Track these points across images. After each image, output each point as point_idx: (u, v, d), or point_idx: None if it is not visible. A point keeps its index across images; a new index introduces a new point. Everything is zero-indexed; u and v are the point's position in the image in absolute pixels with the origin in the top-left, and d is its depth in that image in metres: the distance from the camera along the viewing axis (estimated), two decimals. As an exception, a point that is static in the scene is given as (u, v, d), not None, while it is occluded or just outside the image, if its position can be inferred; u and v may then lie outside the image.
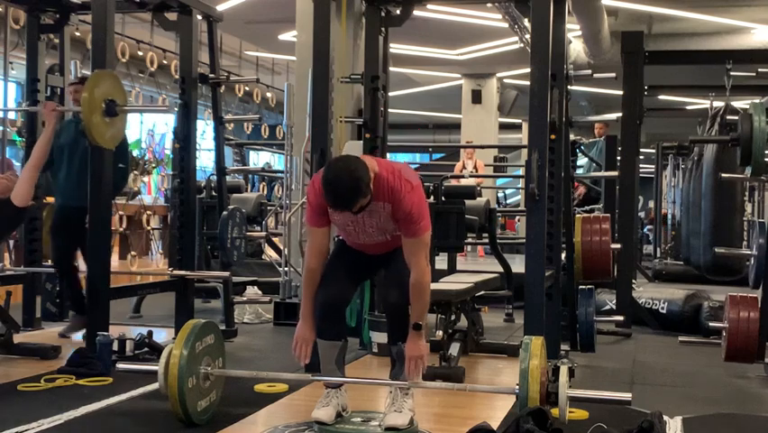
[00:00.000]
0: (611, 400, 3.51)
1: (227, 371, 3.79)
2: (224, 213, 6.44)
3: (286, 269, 7.18)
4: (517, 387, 3.31)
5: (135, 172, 11.25)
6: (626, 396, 3.46)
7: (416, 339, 3.38)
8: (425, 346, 3.41)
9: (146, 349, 4.91)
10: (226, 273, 6.15)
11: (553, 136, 4.94)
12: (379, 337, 5.06)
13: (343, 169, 3.19)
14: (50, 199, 6.20)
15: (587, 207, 9.24)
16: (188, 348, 3.47)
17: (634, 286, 7.53)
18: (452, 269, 6.28)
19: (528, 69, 4.51)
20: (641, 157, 9.31)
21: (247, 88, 13.46)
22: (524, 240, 5.11)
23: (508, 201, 15.29)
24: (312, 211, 3.44)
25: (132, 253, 8.25)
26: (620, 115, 7.89)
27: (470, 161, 11.43)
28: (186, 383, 3.43)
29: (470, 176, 10.20)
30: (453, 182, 8.81)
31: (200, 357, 3.56)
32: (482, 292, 5.46)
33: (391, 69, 6.28)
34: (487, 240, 6.79)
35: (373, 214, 3.36)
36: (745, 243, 9.02)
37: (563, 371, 3.40)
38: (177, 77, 6.27)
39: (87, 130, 4.65)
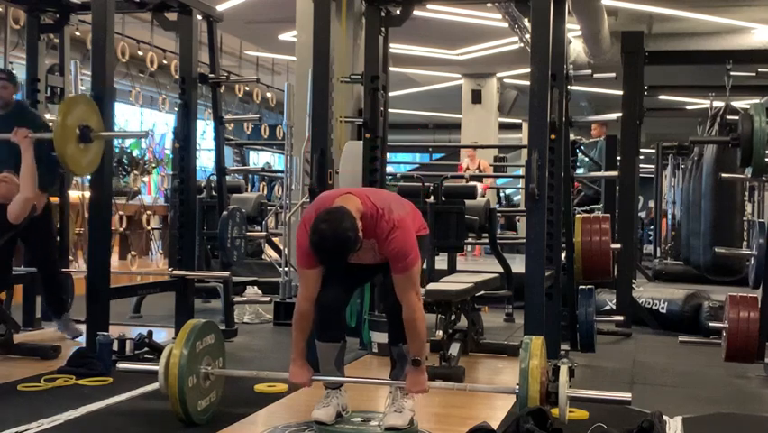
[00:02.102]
0: (611, 400, 3.51)
1: (227, 370, 3.79)
2: (224, 213, 6.44)
3: (286, 269, 7.18)
4: (517, 387, 3.30)
5: (135, 172, 11.26)
6: (626, 396, 3.47)
7: (416, 375, 3.39)
8: (426, 381, 3.40)
9: (146, 349, 4.91)
10: (226, 273, 6.16)
11: (553, 136, 4.94)
12: (379, 337, 5.06)
13: (329, 230, 3.13)
14: (53, 199, 6.18)
15: (587, 207, 9.25)
16: (189, 348, 3.48)
17: (634, 286, 7.53)
18: (452, 269, 6.29)
19: (528, 69, 4.51)
20: (641, 157, 9.31)
21: (247, 88, 13.45)
22: (524, 240, 5.11)
23: (513, 202, 15.29)
24: (302, 253, 3.37)
25: (132, 253, 8.24)
26: (620, 115, 7.89)
27: (471, 162, 11.44)
28: (186, 383, 3.43)
29: (472, 177, 10.17)
30: (454, 182, 8.80)
31: (200, 357, 3.57)
32: (482, 292, 5.47)
33: (391, 69, 6.28)
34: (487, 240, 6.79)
35: (366, 251, 3.34)
36: (745, 243, 9.02)
37: (563, 370, 3.40)
38: (177, 77, 6.27)
39: (62, 160, 4.55)
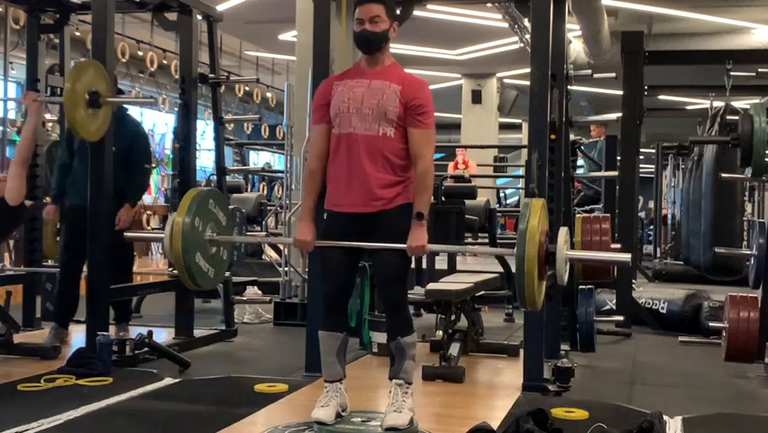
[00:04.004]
0: (610, 261, 3.51)
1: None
2: (224, 213, 6.42)
3: (286, 269, 7.18)
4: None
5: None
6: (626, 256, 3.48)
7: (418, 229, 3.39)
8: (425, 238, 3.42)
9: (146, 349, 4.91)
10: (226, 273, 6.15)
11: (553, 136, 4.94)
12: (379, 337, 5.06)
13: None
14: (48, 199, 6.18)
15: (587, 207, 9.24)
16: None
17: (634, 286, 7.53)
18: (452, 269, 6.29)
19: (528, 69, 4.51)
20: (641, 157, 9.30)
21: (247, 88, 13.47)
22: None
23: (508, 201, 15.30)
24: (314, 109, 3.56)
25: (133, 253, 8.22)
26: (620, 115, 7.89)
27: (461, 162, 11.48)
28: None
29: (460, 176, 10.19)
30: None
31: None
32: (482, 292, 5.47)
33: (391, 69, 6.26)
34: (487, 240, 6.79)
35: (376, 92, 3.42)
36: (745, 243, 9.01)
37: (562, 232, 3.36)
38: (177, 77, 6.27)
39: (71, 124, 4.61)
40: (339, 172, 3.47)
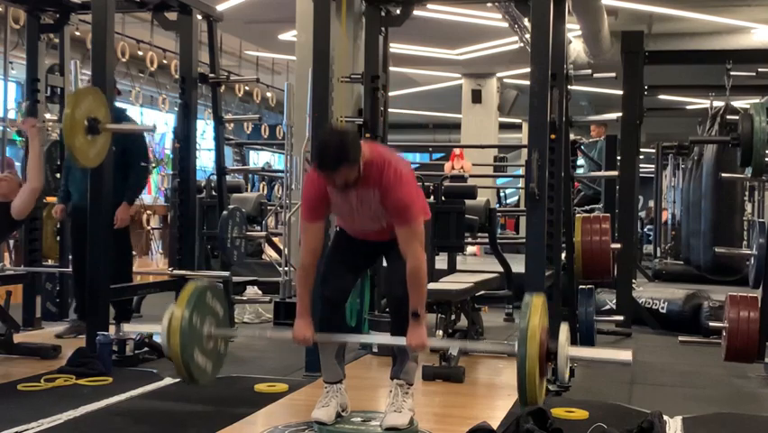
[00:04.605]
0: (611, 361, 3.53)
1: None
2: (224, 213, 6.43)
3: (286, 269, 7.18)
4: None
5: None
6: (627, 355, 3.46)
7: (416, 328, 3.37)
8: (425, 335, 3.40)
9: (146, 349, 4.91)
10: (226, 273, 6.15)
11: (553, 136, 4.94)
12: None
13: (335, 132, 3.31)
14: (51, 199, 6.19)
15: (587, 207, 9.25)
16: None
17: (634, 286, 7.53)
18: (452, 269, 6.28)
19: (528, 69, 4.50)
20: (641, 157, 9.30)
21: (247, 88, 13.45)
22: (524, 240, 5.11)
23: (508, 201, 15.29)
24: (306, 205, 3.46)
25: (133, 252, 8.23)
26: (620, 115, 7.89)
27: (455, 162, 11.45)
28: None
29: (455, 176, 10.17)
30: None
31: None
32: (482, 292, 5.47)
33: (391, 69, 6.28)
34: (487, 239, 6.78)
35: (365, 202, 3.38)
36: (745, 243, 9.02)
37: (563, 329, 3.38)
38: (177, 77, 6.27)
39: (69, 150, 4.60)
40: (347, 226, 3.58)
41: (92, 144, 4.60)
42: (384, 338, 3.84)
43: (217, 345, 3.71)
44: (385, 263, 3.88)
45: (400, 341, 3.43)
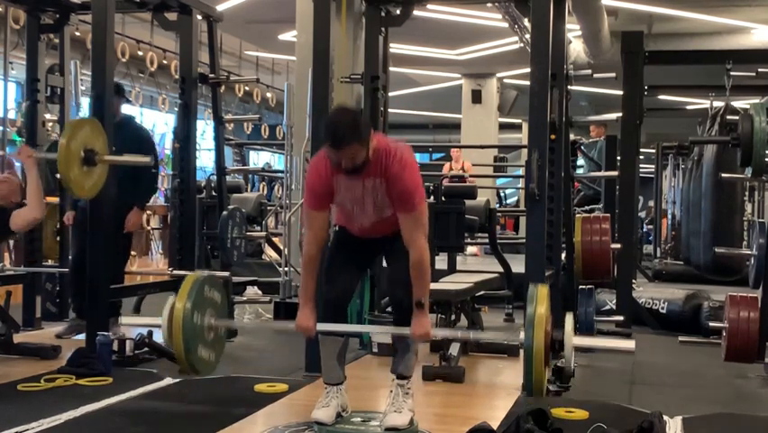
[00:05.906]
0: (615, 349, 3.53)
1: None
2: (224, 213, 6.44)
3: (286, 269, 7.18)
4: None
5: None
6: (630, 344, 3.46)
7: (419, 317, 3.37)
8: (429, 324, 3.40)
9: (146, 349, 4.90)
10: (226, 273, 6.15)
11: (553, 136, 4.94)
12: (379, 337, 5.06)
13: (347, 110, 3.34)
14: (51, 199, 6.19)
15: (587, 207, 9.25)
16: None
17: (634, 286, 7.53)
18: (452, 269, 6.28)
19: (528, 69, 4.50)
20: (641, 157, 9.30)
21: (247, 88, 13.44)
22: (524, 240, 5.11)
23: (508, 201, 15.30)
24: (311, 193, 3.45)
25: (132, 252, 8.24)
26: (620, 115, 7.88)
27: (455, 162, 11.46)
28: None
29: (455, 176, 10.18)
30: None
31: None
32: (482, 292, 5.46)
33: (391, 69, 6.28)
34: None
35: (369, 191, 3.37)
36: (745, 243, 9.02)
37: (569, 319, 3.39)
38: (177, 77, 6.27)
39: (64, 182, 4.58)
40: (347, 221, 3.55)
41: (87, 176, 4.55)
42: (387, 328, 3.84)
43: (218, 333, 3.78)
44: (385, 264, 3.88)
45: (404, 331, 3.43)
